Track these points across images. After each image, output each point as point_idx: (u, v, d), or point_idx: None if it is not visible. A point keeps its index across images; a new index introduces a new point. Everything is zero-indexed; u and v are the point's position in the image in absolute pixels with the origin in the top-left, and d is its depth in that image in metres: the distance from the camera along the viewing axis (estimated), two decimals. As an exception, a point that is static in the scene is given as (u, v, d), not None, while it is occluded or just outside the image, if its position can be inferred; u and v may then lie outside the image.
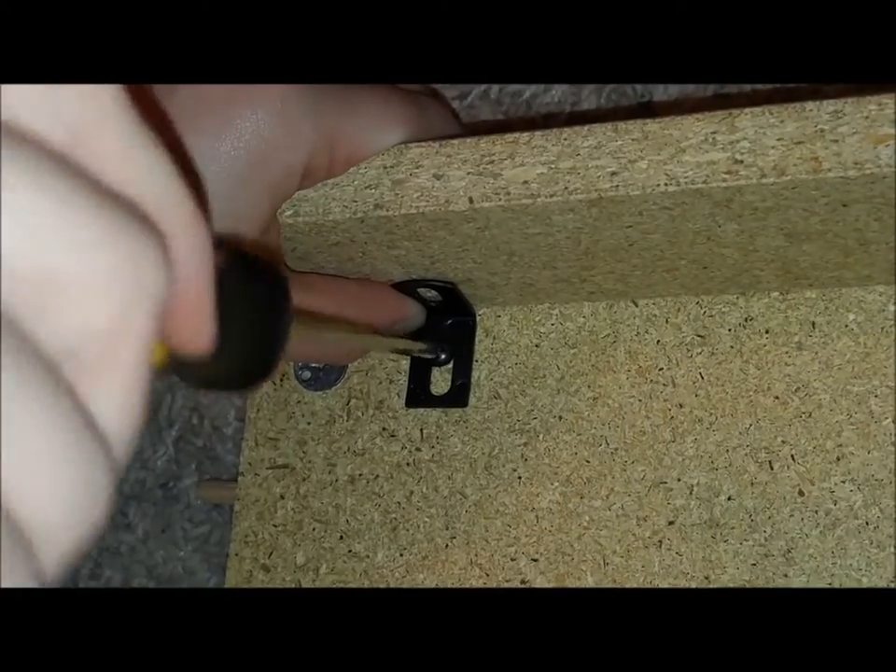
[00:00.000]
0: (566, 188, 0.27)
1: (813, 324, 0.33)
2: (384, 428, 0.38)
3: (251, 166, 0.27)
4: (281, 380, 0.40)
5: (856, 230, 0.28)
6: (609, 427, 0.34)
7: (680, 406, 0.34)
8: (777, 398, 0.32)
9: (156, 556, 0.49)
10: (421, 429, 0.37)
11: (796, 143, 0.26)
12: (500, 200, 0.28)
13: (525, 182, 0.28)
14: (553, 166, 0.28)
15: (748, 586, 0.31)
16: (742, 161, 0.26)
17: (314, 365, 0.39)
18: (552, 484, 0.35)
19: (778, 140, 0.26)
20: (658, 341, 0.34)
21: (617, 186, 0.27)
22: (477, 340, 0.37)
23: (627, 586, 0.33)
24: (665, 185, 0.26)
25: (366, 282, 0.35)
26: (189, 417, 0.49)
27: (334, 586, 0.37)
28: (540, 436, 0.35)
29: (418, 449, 0.37)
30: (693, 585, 0.32)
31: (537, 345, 0.36)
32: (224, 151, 0.27)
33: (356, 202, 0.30)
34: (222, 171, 0.27)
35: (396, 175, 0.29)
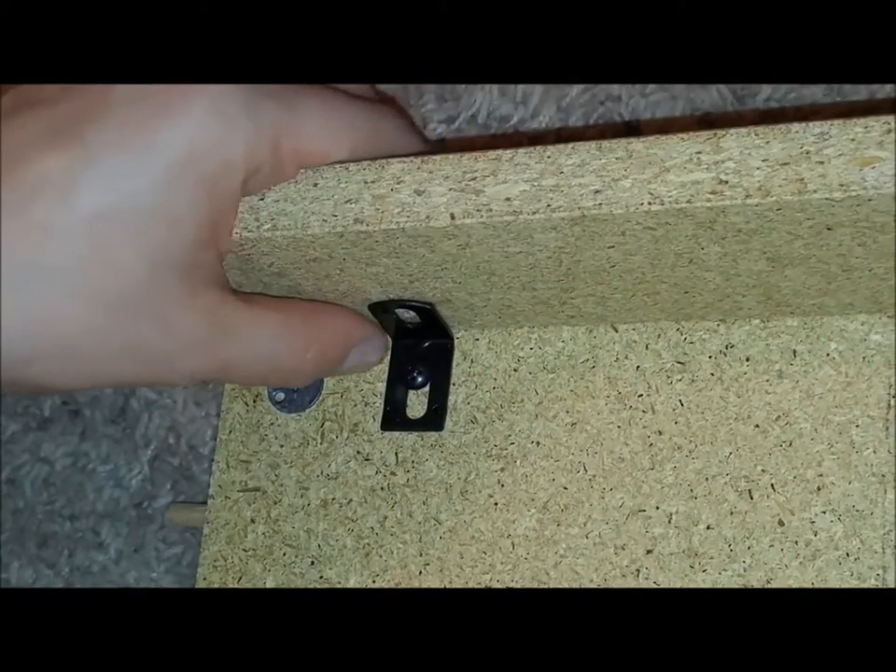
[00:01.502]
0: (548, 205, 0.27)
1: (794, 352, 0.32)
2: (358, 452, 0.37)
3: (186, 160, 0.28)
4: (254, 401, 0.39)
5: (839, 255, 0.28)
6: (588, 454, 0.34)
7: (660, 433, 0.33)
8: (757, 426, 0.32)
9: (128, 577, 0.48)
10: (396, 453, 0.36)
11: (781, 164, 0.25)
12: (482, 216, 0.28)
13: (508, 199, 0.28)
14: (535, 183, 0.27)
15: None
16: (727, 182, 0.26)
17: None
18: (528, 511, 0.34)
19: (763, 161, 0.26)
20: (638, 367, 0.34)
21: (600, 204, 0.27)
22: (455, 363, 0.36)
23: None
24: (649, 204, 0.26)
25: (320, 303, 0.34)
26: (165, 436, 0.49)
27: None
28: (517, 461, 0.35)
29: (393, 473, 0.36)
30: (671, 616, 0.31)
31: (515, 370, 0.35)
32: (159, 145, 0.28)
33: (335, 216, 0.29)
34: (157, 165, 0.27)
35: (376, 189, 0.29)
